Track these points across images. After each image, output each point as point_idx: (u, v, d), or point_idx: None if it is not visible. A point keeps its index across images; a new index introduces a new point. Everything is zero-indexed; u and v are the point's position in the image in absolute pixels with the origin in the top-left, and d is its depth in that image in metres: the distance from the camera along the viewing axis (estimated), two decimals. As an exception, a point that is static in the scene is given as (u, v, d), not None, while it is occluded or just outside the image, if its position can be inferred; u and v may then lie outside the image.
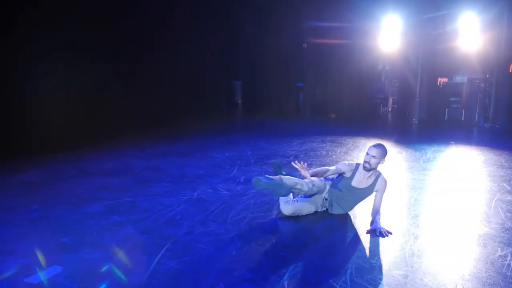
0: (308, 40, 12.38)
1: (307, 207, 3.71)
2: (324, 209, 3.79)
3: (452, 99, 11.74)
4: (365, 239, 3.21)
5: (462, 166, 5.81)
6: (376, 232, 3.25)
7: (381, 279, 2.57)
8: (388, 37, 10.98)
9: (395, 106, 13.47)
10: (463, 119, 11.27)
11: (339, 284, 2.49)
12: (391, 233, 3.28)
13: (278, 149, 6.93)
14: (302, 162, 3.54)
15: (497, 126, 9.87)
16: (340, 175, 3.73)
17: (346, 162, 3.76)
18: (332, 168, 3.74)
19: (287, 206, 3.66)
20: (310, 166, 5.74)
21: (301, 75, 13.27)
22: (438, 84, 11.84)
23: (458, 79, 13.59)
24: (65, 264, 2.75)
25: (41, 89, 7.77)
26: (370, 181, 3.60)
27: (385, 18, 10.87)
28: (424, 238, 3.21)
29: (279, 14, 11.63)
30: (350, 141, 7.69)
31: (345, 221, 3.63)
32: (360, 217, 3.71)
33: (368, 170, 3.51)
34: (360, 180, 3.60)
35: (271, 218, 3.67)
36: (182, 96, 10.85)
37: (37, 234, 3.32)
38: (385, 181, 3.61)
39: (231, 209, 3.89)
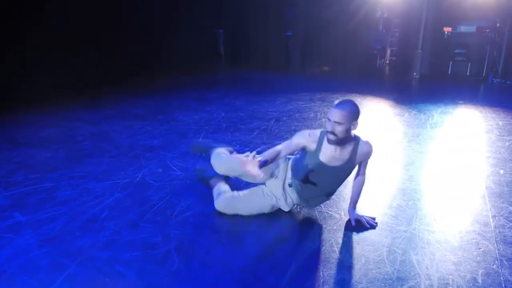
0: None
1: (251, 203, 2.60)
2: (292, 204, 2.67)
3: (457, 51, 10.55)
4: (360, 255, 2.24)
5: (479, 135, 4.79)
6: (363, 223, 2.51)
7: None
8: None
9: (393, 58, 12.27)
10: (468, 73, 10.16)
11: None
12: (376, 223, 2.54)
13: (257, 109, 5.85)
14: (250, 153, 2.15)
15: (508, 82, 8.80)
16: (302, 151, 2.55)
17: (306, 131, 2.52)
18: (285, 144, 2.50)
19: (218, 199, 2.68)
20: (292, 133, 4.71)
21: (290, 23, 11.86)
22: (445, 34, 10.57)
23: (463, 28, 12.31)
24: None
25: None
26: (346, 154, 2.44)
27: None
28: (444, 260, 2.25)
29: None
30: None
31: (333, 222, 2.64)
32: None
33: (336, 143, 2.36)
34: (330, 155, 2.42)
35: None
36: (155, 46, 9.52)
37: None
38: (369, 147, 2.50)
39: (179, 200, 2.88)
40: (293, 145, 2.49)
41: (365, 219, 2.53)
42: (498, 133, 4.75)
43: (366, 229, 2.48)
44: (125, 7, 8.56)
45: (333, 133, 2.31)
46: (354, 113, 2.33)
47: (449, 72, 10.40)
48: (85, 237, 2.38)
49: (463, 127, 5.18)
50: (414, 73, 9.74)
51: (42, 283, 1.96)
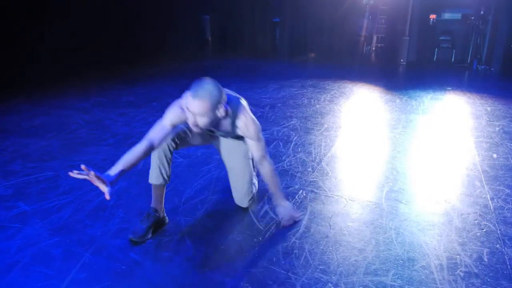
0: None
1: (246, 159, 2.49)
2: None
3: (442, 38, 10.71)
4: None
5: (469, 121, 4.87)
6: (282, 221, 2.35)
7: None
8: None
9: (379, 45, 12.37)
10: (453, 60, 10.35)
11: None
12: (299, 217, 2.36)
13: (251, 96, 5.83)
14: (88, 170, 1.80)
15: (492, 69, 8.99)
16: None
17: (175, 106, 2.12)
18: (156, 131, 2.12)
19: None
20: (288, 119, 4.74)
21: (277, 9, 11.81)
22: (430, 21, 10.72)
23: (447, 15, 12.49)
24: None
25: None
26: (227, 126, 2.20)
27: None
28: (449, 234, 2.33)
29: None
30: (334, 86, 6.66)
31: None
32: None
33: (202, 130, 2.12)
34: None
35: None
36: (141, 32, 9.34)
37: None
38: (250, 122, 2.18)
39: (185, 187, 2.89)
40: (167, 127, 2.12)
41: (284, 216, 2.35)
42: (487, 119, 4.88)
43: (360, 213, 2.53)
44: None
45: (197, 126, 2.01)
46: (216, 100, 1.97)
47: (435, 59, 10.57)
48: (95, 225, 2.37)
49: (454, 113, 5.29)
50: (401, 60, 9.84)
51: (58, 273, 1.95)
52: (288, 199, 2.71)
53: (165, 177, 2.29)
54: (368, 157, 3.59)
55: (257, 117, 4.71)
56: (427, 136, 4.26)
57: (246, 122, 2.18)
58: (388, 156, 3.61)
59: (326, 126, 4.46)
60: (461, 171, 3.31)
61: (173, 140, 2.26)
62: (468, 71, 9.24)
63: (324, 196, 2.79)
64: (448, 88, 6.77)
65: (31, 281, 1.89)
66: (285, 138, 3.99)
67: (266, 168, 2.29)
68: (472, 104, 5.68)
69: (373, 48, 12.45)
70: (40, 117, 4.66)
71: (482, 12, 9.89)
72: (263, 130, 4.23)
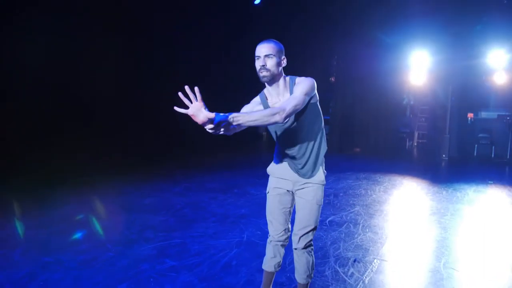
0: (336, 74, 12.49)
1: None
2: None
3: (480, 135, 11.60)
4: None
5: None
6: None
7: None
8: (415, 72, 10.93)
9: (420, 141, 13.38)
10: (493, 155, 11.08)
11: None
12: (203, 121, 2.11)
13: (314, 186, 6.81)
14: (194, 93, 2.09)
15: (532, 164, 9.65)
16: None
17: (248, 105, 2.59)
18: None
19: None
20: (352, 206, 5.63)
21: (326, 107, 13.30)
22: (468, 120, 11.78)
23: (484, 114, 13.54)
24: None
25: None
26: (286, 93, 2.44)
27: (413, 54, 10.79)
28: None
29: (307, 47, 11.80)
30: (385, 179, 7.55)
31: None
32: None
33: (271, 78, 2.35)
34: (275, 102, 2.47)
35: (330, 265, 3.54)
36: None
37: (91, 278, 3.23)
38: (308, 78, 2.43)
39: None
40: (253, 104, 2.55)
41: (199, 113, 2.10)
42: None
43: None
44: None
45: (265, 67, 2.32)
46: (280, 46, 2.39)
47: (475, 154, 11.34)
48: (228, 277, 3.28)
49: (497, 205, 5.99)
50: (443, 155, 10.70)
51: (217, 304, 2.84)
52: (366, 267, 3.53)
53: (276, 267, 2.70)
54: (425, 238, 4.36)
55: (325, 204, 5.67)
56: (473, 223, 4.98)
57: (304, 77, 2.43)
58: (441, 237, 4.36)
59: (385, 212, 5.30)
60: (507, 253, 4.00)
61: (285, 232, 2.72)
62: (508, 166, 9.90)
63: (394, 265, 3.58)
64: (490, 182, 7.48)
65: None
66: (353, 221, 4.85)
67: (274, 111, 2.20)
68: (514, 197, 6.37)
69: (415, 144, 13.45)
70: (147, 198, 5.81)
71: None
72: (334, 214, 5.13)
